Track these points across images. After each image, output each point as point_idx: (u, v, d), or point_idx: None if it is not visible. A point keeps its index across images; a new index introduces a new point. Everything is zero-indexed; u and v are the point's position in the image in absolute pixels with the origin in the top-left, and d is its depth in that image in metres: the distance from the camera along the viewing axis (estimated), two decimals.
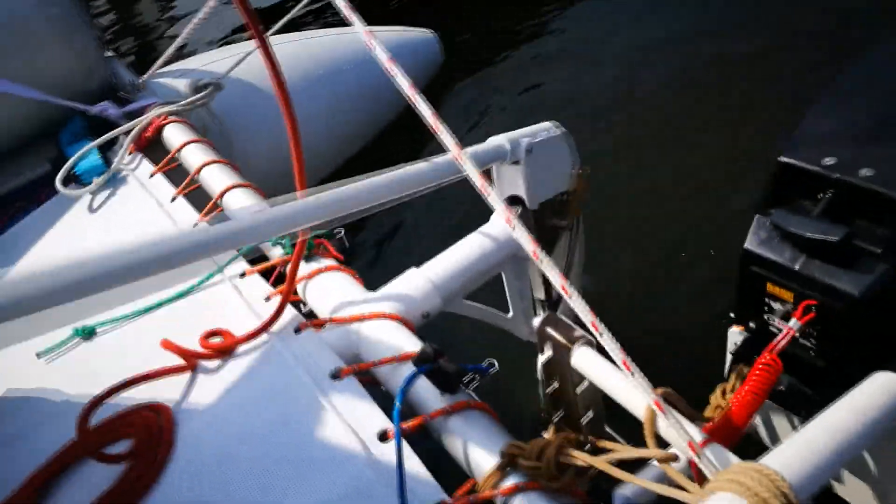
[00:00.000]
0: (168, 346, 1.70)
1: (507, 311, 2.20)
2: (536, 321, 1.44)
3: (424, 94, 4.35)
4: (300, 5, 2.49)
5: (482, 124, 4.29)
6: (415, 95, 1.27)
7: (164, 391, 1.66)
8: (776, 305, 1.42)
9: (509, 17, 5.39)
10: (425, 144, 4.04)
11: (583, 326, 1.17)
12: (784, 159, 1.36)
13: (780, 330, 1.43)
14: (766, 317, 1.47)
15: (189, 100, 2.76)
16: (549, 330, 1.39)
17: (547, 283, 2.27)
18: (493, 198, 1.16)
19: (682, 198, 3.47)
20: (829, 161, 1.31)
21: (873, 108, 1.40)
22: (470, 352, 2.75)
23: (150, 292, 2.00)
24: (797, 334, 1.36)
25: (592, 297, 2.91)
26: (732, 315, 1.59)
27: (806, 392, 1.53)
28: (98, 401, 1.56)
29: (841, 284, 1.28)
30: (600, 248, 3.31)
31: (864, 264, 1.27)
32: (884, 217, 1.26)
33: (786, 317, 1.41)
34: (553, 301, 2.32)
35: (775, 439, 1.72)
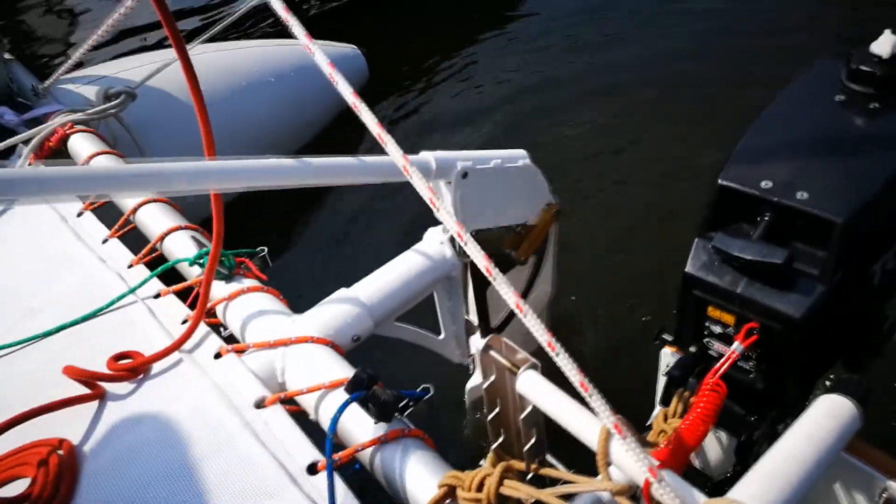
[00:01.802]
0: (71, 372, 1.54)
1: (439, 333, 2.14)
2: (480, 344, 1.38)
3: (349, 110, 4.27)
4: (235, 16, 2.37)
5: (411, 138, 4.26)
6: (359, 103, 1.21)
7: (67, 424, 1.51)
8: (716, 329, 1.42)
9: (435, 36, 5.42)
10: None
11: (529, 350, 1.12)
12: (723, 182, 1.36)
13: (719, 353, 1.43)
14: (705, 340, 1.46)
15: (98, 108, 2.58)
16: (494, 354, 1.33)
17: (481, 306, 2.21)
18: (444, 212, 1.09)
19: (630, 219, 3.51)
20: (766, 184, 1.32)
21: (807, 129, 1.43)
22: (404, 374, 2.67)
23: (49, 314, 1.83)
24: (739, 357, 1.35)
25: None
26: (665, 337, 1.58)
27: (742, 414, 1.53)
28: None
29: (782, 307, 1.28)
30: None
31: (804, 286, 1.28)
32: (820, 239, 1.27)
33: (726, 340, 1.41)
34: (486, 324, 2.27)
35: (706, 461, 1.72)
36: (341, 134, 3.88)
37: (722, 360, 1.33)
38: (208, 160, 1.38)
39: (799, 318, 1.26)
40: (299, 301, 1.88)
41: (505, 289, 1.00)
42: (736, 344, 1.33)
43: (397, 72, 4.96)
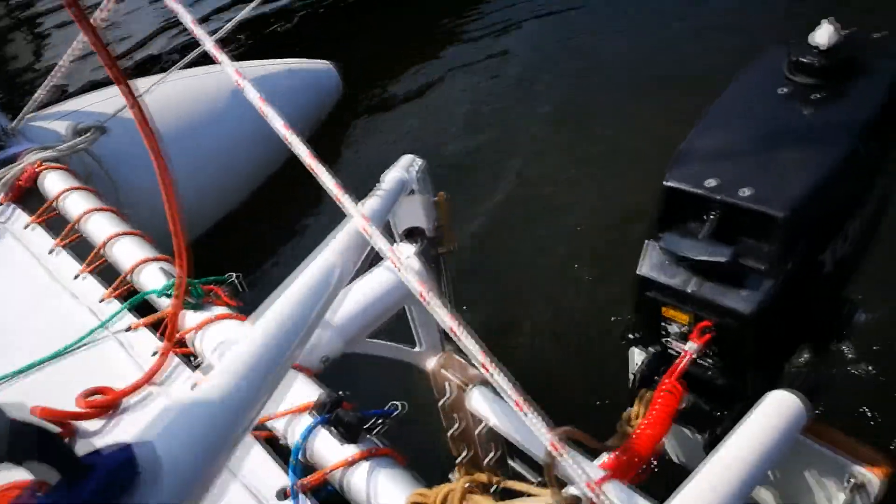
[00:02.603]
0: (40, 412, 1.55)
1: (415, 345, 2.15)
2: (432, 362, 1.38)
3: (325, 126, 4.27)
4: (189, 57, 2.38)
5: (387, 152, 4.26)
6: (290, 136, 1.21)
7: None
8: (673, 328, 1.42)
9: (412, 48, 5.43)
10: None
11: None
12: (668, 183, 1.37)
13: (679, 352, 1.43)
14: (664, 340, 1.47)
15: (68, 144, 2.59)
16: (445, 371, 1.34)
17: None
18: (377, 241, 1.10)
19: (585, 216, 3.52)
20: (711, 182, 1.32)
21: (749, 127, 1.44)
22: (390, 387, 2.67)
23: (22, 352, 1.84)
24: (695, 355, 1.36)
25: (494, 329, 2.90)
26: (631, 336, 1.59)
27: (707, 410, 1.53)
28: None
29: (732, 303, 1.29)
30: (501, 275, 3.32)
31: (752, 282, 1.29)
32: (765, 234, 1.28)
33: (683, 338, 1.41)
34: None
35: (679, 455, 1.72)
36: (320, 149, 3.89)
37: (677, 361, 1.34)
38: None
39: (749, 314, 1.27)
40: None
41: (440, 312, 1.01)
42: (690, 343, 1.34)
43: (373, 85, 4.97)
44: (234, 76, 1.27)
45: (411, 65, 5.14)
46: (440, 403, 1.41)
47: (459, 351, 1.64)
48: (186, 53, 2.58)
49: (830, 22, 1.43)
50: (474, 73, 4.98)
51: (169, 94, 3.19)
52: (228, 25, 2.54)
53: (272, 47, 5.51)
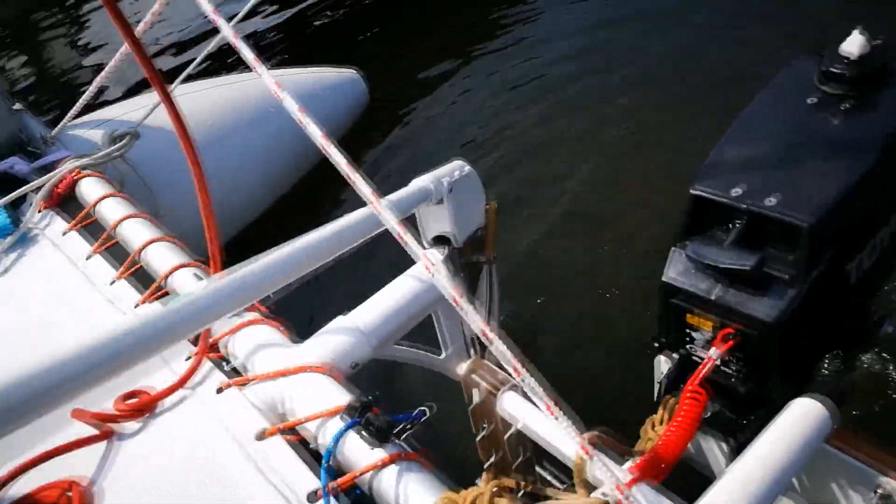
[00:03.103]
0: (79, 414, 1.61)
1: (440, 352, 2.17)
2: (462, 368, 1.41)
3: (351, 133, 4.33)
4: (207, 50, 2.43)
5: (412, 161, 4.32)
6: (328, 145, 1.25)
7: (77, 465, 1.57)
8: (697, 335, 1.44)
9: (436, 57, 5.46)
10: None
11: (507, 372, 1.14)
12: (695, 191, 1.38)
13: (703, 358, 1.44)
14: (688, 346, 1.48)
15: (104, 152, 2.66)
16: (475, 376, 1.37)
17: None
18: (412, 247, 1.13)
19: (611, 224, 3.52)
20: (737, 191, 1.34)
21: (777, 136, 1.45)
22: (414, 391, 2.70)
23: None
24: (718, 362, 1.37)
25: (525, 334, 2.92)
26: (656, 344, 1.60)
27: (732, 417, 1.54)
28: (1, 483, 1.45)
29: (756, 311, 1.30)
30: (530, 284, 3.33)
31: (777, 290, 1.30)
32: (790, 242, 1.29)
33: (708, 345, 1.42)
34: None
35: (705, 462, 1.73)
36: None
37: (700, 367, 1.35)
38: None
39: (772, 322, 1.28)
40: (306, 328, 1.94)
41: (472, 316, 1.04)
42: (713, 350, 1.35)
43: (400, 91, 5.01)
44: (272, 87, 1.31)
45: (437, 70, 5.18)
46: (470, 408, 1.44)
47: (487, 357, 1.68)
48: (221, 61, 2.64)
49: (861, 31, 1.43)
50: (503, 76, 4.99)
51: (202, 100, 3.26)
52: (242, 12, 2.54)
53: (297, 55, 5.59)
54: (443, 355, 2.18)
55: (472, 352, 2.32)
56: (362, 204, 1.81)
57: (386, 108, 4.78)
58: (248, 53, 1.31)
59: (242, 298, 1.29)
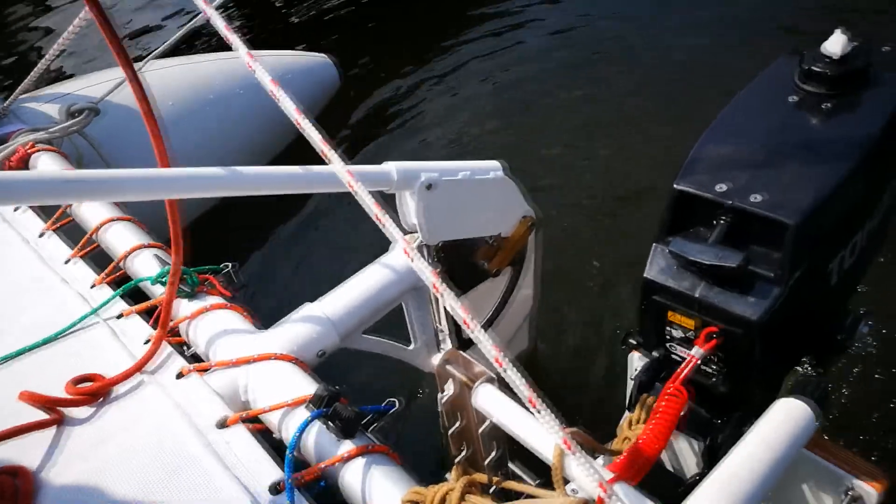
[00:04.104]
0: (28, 397, 1.52)
1: (409, 343, 2.12)
2: (436, 358, 1.36)
3: (323, 117, 4.25)
4: (184, 29, 2.34)
5: (383, 147, 4.25)
6: (302, 119, 1.19)
7: (26, 451, 1.48)
8: (677, 333, 1.41)
9: (413, 41, 5.40)
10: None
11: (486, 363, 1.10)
12: (679, 187, 1.36)
13: (683, 357, 1.42)
14: (667, 345, 1.46)
15: (60, 126, 2.54)
16: (450, 367, 1.32)
17: (453, 322, 2.20)
18: (389, 228, 1.08)
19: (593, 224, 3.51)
20: (721, 187, 1.32)
21: (759, 133, 1.43)
22: (378, 384, 2.64)
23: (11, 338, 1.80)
24: (701, 360, 1.35)
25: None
26: (632, 341, 1.57)
27: (708, 417, 1.52)
28: None
29: (740, 309, 1.28)
30: None
31: (761, 288, 1.28)
32: (775, 241, 1.27)
33: (688, 343, 1.40)
34: (463, 340, 2.26)
35: (677, 463, 1.71)
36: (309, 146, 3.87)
37: (682, 366, 1.33)
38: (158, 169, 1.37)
39: (756, 321, 1.26)
40: (269, 315, 1.87)
41: (452, 304, 0.99)
42: (696, 349, 1.33)
43: (374, 78, 4.93)
44: (245, 58, 1.25)
45: (412, 58, 5.10)
46: (442, 401, 1.39)
47: (460, 349, 1.63)
48: (197, 40, 2.53)
49: (843, 31, 1.43)
50: (477, 70, 4.94)
51: (169, 78, 3.15)
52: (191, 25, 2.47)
53: (269, 42, 5.48)
54: (412, 346, 2.13)
55: (440, 344, 2.27)
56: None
57: (359, 94, 4.69)
58: (220, 24, 1.24)
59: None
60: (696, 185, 1.35)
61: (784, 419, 1.20)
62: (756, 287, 1.28)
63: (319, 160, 1.35)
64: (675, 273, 1.36)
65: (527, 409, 1.01)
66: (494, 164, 1.96)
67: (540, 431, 0.99)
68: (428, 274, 1.02)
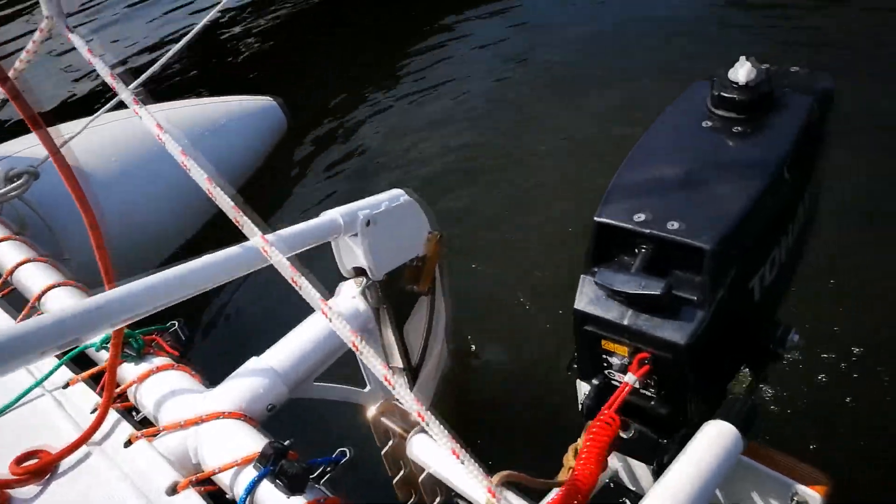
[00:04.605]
0: None
1: (364, 386, 2.12)
2: (371, 411, 1.37)
3: (271, 160, 4.23)
4: (111, 103, 2.32)
5: (333, 186, 4.27)
6: (213, 187, 1.20)
7: None
8: (614, 360, 1.44)
9: (357, 83, 5.45)
10: (274, 210, 3.96)
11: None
12: (599, 219, 1.39)
13: (621, 383, 1.45)
14: (606, 371, 1.48)
15: None
16: (384, 419, 1.33)
17: (404, 350, 2.22)
18: (307, 291, 1.09)
19: (532, 252, 3.55)
20: (640, 217, 1.35)
21: (676, 160, 1.47)
22: (334, 428, 2.63)
23: None
24: (636, 387, 1.38)
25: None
26: (570, 371, 1.60)
27: (655, 438, 1.55)
28: None
29: (667, 335, 1.31)
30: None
31: (686, 312, 1.31)
32: (695, 265, 1.31)
33: (624, 370, 1.43)
34: (413, 367, 2.28)
35: (632, 484, 1.74)
36: (265, 185, 3.88)
37: (616, 393, 1.35)
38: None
39: (684, 345, 1.29)
40: (217, 370, 1.86)
41: (372, 360, 1.00)
42: (629, 375, 1.36)
43: (319, 118, 4.96)
44: (153, 129, 1.26)
45: (357, 97, 5.16)
46: (382, 451, 1.40)
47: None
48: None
49: (748, 59, 1.48)
50: (418, 103, 5.02)
51: (105, 135, 3.12)
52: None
53: (217, 85, 5.48)
54: (367, 389, 2.13)
55: (402, 380, 2.28)
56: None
57: (306, 136, 4.72)
58: (126, 95, 1.25)
59: (113, 317, 1.24)
60: (615, 216, 1.38)
61: (710, 442, 1.23)
62: (681, 312, 1.31)
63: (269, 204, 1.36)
64: (603, 302, 1.39)
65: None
66: (398, 191, 2.04)
67: (471, 480, 1.00)
68: (346, 333, 1.03)
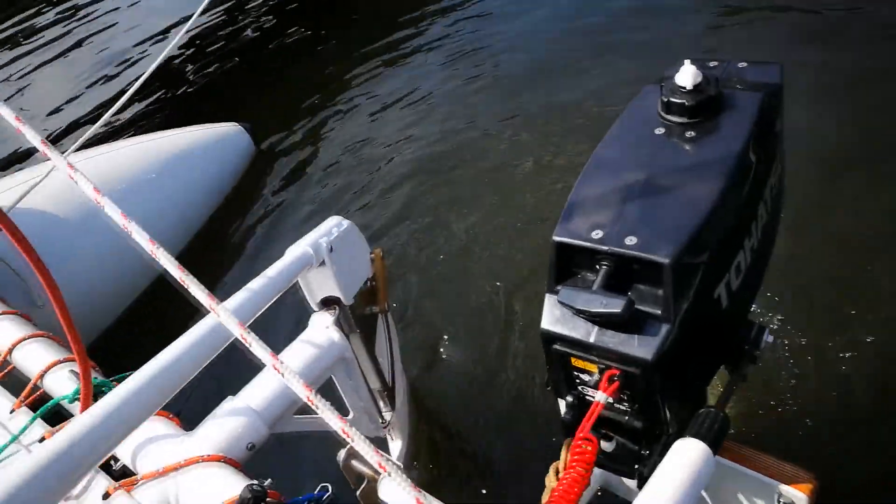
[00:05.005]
0: None
1: (347, 413, 2.11)
2: (341, 455, 1.36)
3: (238, 187, 4.21)
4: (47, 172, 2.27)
5: (305, 206, 4.25)
6: (156, 249, 1.19)
7: None
8: (585, 377, 1.43)
9: (322, 104, 5.42)
10: (247, 234, 3.92)
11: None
12: (557, 238, 1.38)
13: (594, 399, 1.44)
14: (580, 388, 1.47)
15: None
16: (354, 463, 1.32)
17: (379, 372, 2.22)
18: (258, 351, 1.08)
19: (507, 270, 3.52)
20: (598, 233, 1.34)
21: (631, 171, 1.45)
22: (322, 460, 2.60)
23: None
24: (606, 404, 1.36)
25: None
26: (548, 388, 1.59)
27: (636, 449, 1.54)
28: None
29: (633, 351, 1.30)
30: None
31: (650, 327, 1.30)
32: (656, 279, 1.29)
33: (596, 386, 1.42)
34: (390, 387, 2.28)
35: (619, 497, 1.74)
36: (235, 210, 3.84)
37: (589, 412, 1.34)
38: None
39: (651, 360, 1.28)
40: (196, 414, 1.84)
41: (328, 414, 0.99)
42: (600, 394, 1.35)
43: (284, 139, 4.93)
44: (91, 194, 1.24)
45: (324, 118, 5.14)
46: (357, 492, 1.39)
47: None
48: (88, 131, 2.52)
49: (691, 62, 1.47)
50: (381, 115, 5.01)
51: (48, 194, 3.06)
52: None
53: (180, 114, 5.44)
54: (350, 416, 2.12)
55: (381, 405, 2.28)
56: (252, 275, 1.77)
57: (275, 159, 4.69)
58: (60, 163, 1.23)
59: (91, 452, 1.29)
60: (573, 235, 1.37)
61: (681, 461, 1.22)
62: (646, 326, 1.30)
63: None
64: (569, 321, 1.38)
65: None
66: (337, 217, 2.06)
67: None
68: (301, 389, 1.02)
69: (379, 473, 1.28)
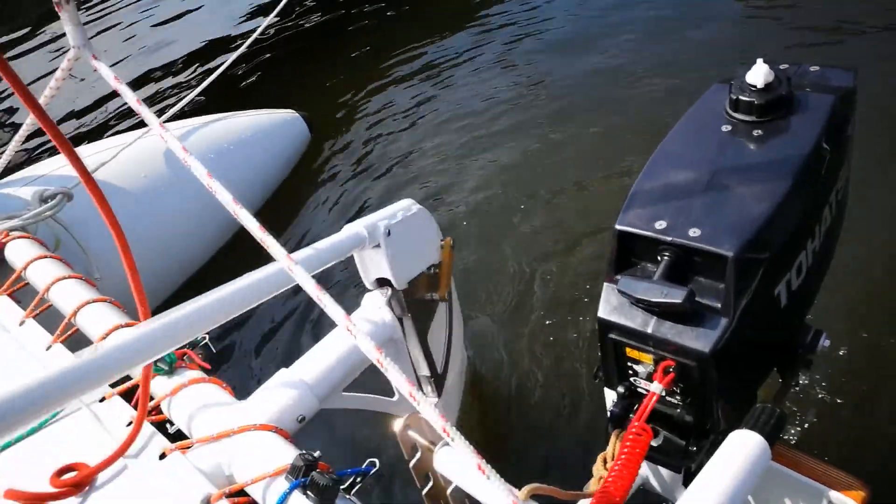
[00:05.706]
0: (12, 495, 1.53)
1: (392, 395, 2.14)
2: (398, 424, 1.39)
3: (294, 173, 4.30)
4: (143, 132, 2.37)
5: (356, 196, 4.30)
6: (238, 209, 1.23)
7: None
8: (639, 367, 1.44)
9: (379, 93, 5.47)
10: (300, 220, 4.00)
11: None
12: (619, 227, 1.39)
13: (647, 391, 1.44)
14: (632, 378, 1.48)
15: (33, 212, 2.58)
16: (411, 433, 1.35)
17: (429, 358, 2.24)
18: (330, 309, 1.11)
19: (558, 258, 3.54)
20: (661, 224, 1.35)
21: (696, 165, 1.46)
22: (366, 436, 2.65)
23: None
24: (660, 395, 1.37)
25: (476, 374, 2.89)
26: (595, 380, 1.60)
27: (682, 445, 1.54)
28: None
29: (690, 343, 1.31)
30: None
31: (709, 320, 1.31)
32: (717, 272, 1.30)
33: (650, 378, 1.42)
34: (439, 375, 2.30)
35: (662, 491, 1.73)
36: (291, 196, 3.91)
37: (644, 402, 1.35)
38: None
39: (708, 353, 1.29)
40: (249, 384, 1.90)
41: (397, 376, 1.02)
42: (655, 384, 1.35)
43: (340, 129, 4.99)
44: (179, 153, 1.29)
45: (382, 105, 5.19)
46: (410, 464, 1.42)
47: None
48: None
49: (764, 61, 1.47)
50: (439, 110, 5.03)
51: (133, 156, 3.19)
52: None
53: (239, 100, 5.55)
54: (396, 397, 2.15)
55: (428, 389, 2.31)
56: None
57: (331, 146, 4.75)
58: (154, 123, 1.29)
59: (158, 347, 1.33)
60: (636, 224, 1.38)
61: (737, 453, 1.22)
62: (705, 319, 1.31)
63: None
64: (626, 310, 1.39)
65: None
66: (408, 201, 2.08)
67: (499, 494, 1.01)
68: (371, 350, 1.05)
69: (434, 445, 1.30)
